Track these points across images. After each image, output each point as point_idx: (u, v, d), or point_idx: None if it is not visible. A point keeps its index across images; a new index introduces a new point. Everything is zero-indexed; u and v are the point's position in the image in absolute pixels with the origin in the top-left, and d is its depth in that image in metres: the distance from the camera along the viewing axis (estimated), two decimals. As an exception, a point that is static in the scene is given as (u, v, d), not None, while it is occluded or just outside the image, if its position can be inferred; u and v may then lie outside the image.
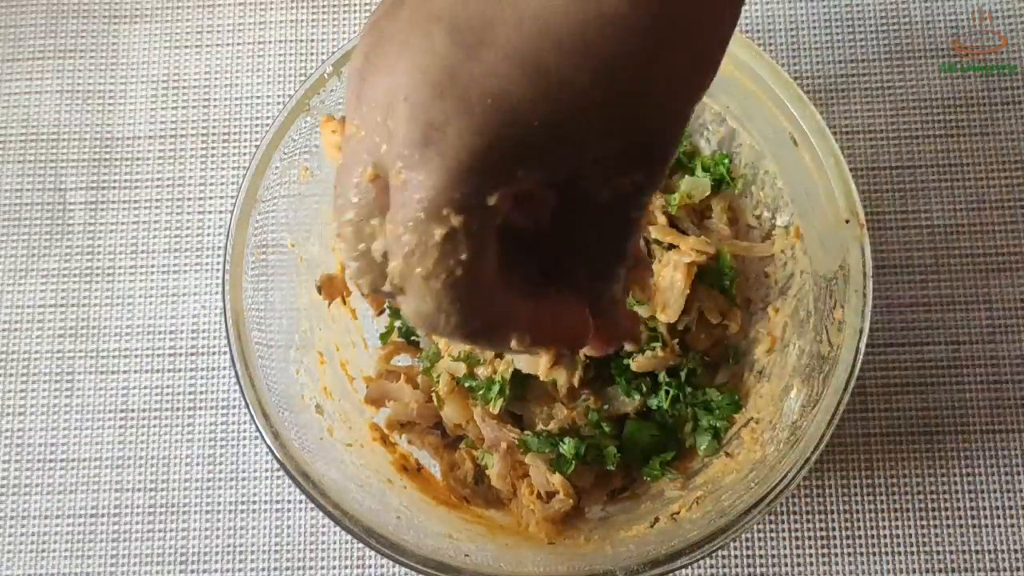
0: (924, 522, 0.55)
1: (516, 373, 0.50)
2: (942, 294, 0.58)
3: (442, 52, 0.26)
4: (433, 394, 0.53)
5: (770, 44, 0.61)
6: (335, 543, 0.56)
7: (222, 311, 0.46)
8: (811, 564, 0.54)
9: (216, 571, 0.56)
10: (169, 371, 0.59)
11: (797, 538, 0.55)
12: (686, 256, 0.50)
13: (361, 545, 0.45)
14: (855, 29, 0.62)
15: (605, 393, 0.51)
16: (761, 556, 0.55)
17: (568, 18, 0.25)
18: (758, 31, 0.62)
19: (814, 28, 0.61)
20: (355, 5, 0.64)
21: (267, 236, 0.47)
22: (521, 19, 0.25)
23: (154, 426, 0.58)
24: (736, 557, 0.55)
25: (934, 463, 0.55)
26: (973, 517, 0.55)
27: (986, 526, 0.55)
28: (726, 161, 0.52)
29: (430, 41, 0.26)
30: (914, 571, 0.54)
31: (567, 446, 0.50)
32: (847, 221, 0.44)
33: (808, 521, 0.55)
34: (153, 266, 0.60)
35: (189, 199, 0.61)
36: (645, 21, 0.25)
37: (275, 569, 0.56)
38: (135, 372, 0.59)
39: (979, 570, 0.54)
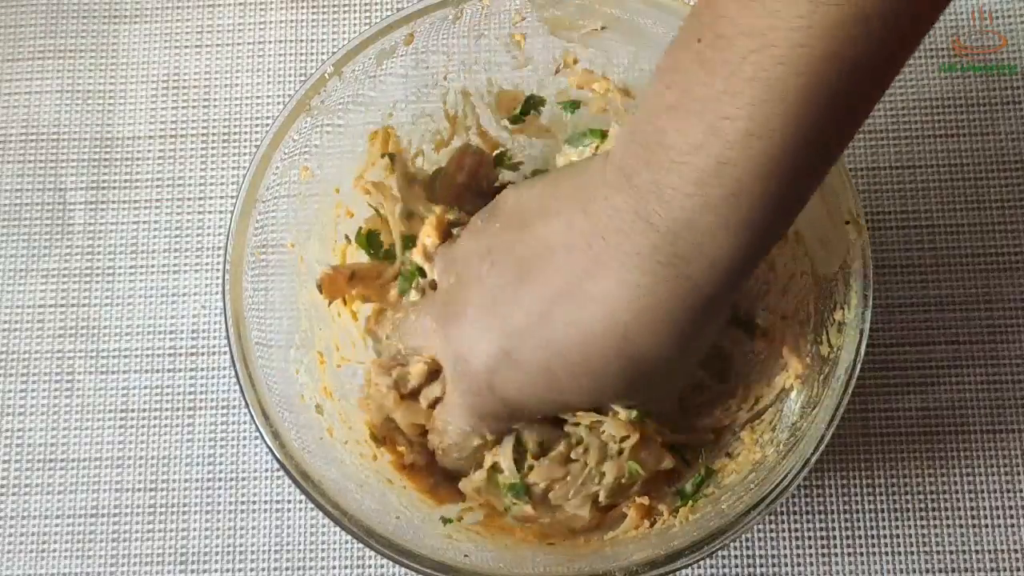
0: (924, 522, 0.55)
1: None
2: (942, 294, 0.58)
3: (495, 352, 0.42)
4: None
5: (770, 44, 0.61)
6: (335, 543, 0.56)
7: (222, 311, 0.46)
8: (811, 564, 0.54)
9: (216, 571, 0.56)
10: (169, 371, 0.59)
11: (797, 538, 0.55)
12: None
13: (361, 545, 0.45)
14: (855, 29, 0.61)
15: None
16: (761, 556, 0.55)
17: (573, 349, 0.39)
18: (758, 31, 0.61)
19: (814, 28, 0.61)
20: (355, 5, 0.64)
21: (267, 236, 0.47)
22: (546, 342, 0.40)
23: (154, 426, 0.58)
24: (736, 557, 0.55)
25: (934, 463, 0.56)
26: (973, 517, 0.55)
27: (986, 526, 0.55)
28: None
29: (489, 337, 0.42)
30: (914, 571, 0.54)
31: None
32: (847, 222, 0.44)
33: (808, 521, 0.55)
34: (153, 266, 0.60)
35: (189, 199, 0.61)
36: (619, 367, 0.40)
37: (275, 569, 0.56)
38: (135, 372, 0.59)
39: (979, 570, 0.54)
